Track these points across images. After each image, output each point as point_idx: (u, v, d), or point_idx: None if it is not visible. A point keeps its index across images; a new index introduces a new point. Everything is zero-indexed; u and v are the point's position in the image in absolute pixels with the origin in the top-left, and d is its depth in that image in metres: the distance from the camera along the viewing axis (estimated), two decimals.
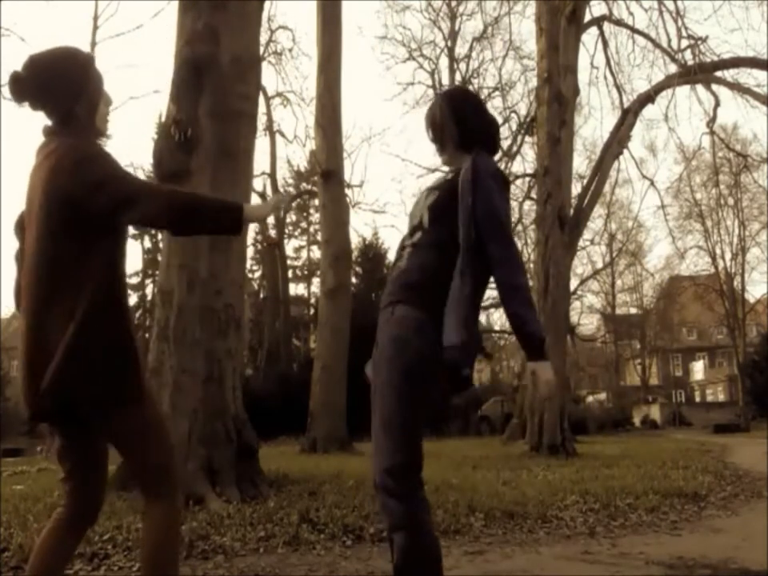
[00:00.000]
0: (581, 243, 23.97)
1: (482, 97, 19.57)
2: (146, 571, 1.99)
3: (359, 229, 58.39)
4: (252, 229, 28.28)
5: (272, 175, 27.07)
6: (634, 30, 18.80)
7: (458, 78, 25.06)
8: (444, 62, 26.38)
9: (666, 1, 17.49)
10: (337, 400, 14.27)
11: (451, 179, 2.23)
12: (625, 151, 18.58)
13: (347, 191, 19.20)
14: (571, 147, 17.18)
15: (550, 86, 13.65)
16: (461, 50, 26.05)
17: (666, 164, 76.77)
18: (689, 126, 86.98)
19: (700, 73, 16.83)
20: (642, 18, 71.32)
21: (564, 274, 14.40)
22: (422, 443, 2.11)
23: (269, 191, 26.74)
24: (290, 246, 33.80)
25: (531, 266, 16.08)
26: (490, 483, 6.75)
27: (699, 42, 17.23)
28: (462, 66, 25.77)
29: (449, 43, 26.02)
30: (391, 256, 26.60)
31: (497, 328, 32.94)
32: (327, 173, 14.99)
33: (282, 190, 27.03)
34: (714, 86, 18.41)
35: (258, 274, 32.88)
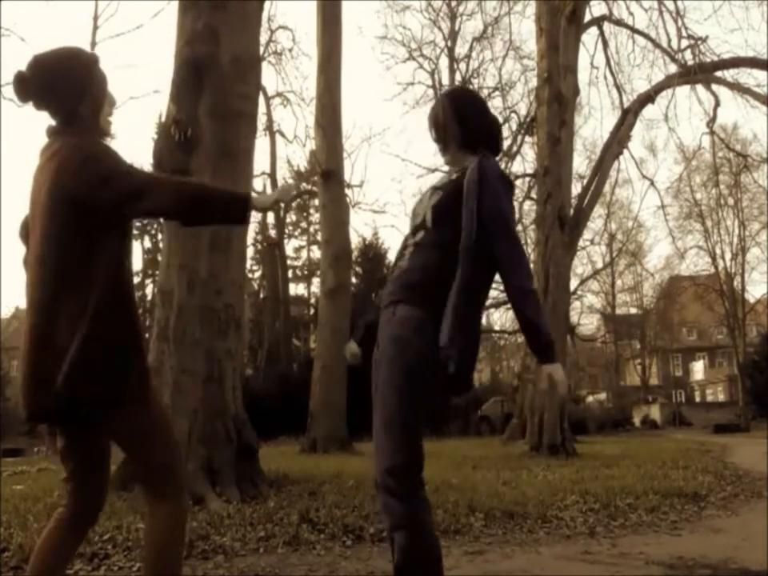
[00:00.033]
0: (581, 243, 23.98)
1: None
2: (147, 571, 1.98)
3: (359, 229, 58.39)
4: (252, 229, 28.32)
5: (272, 175, 27.09)
6: (633, 30, 18.81)
7: (457, 77, 25.07)
8: (444, 61, 26.42)
9: (665, 1, 17.52)
10: (337, 400, 14.27)
11: (456, 179, 2.23)
12: (625, 151, 18.60)
13: (347, 191, 19.21)
14: (571, 147, 17.18)
15: (550, 86, 13.65)
16: (461, 49, 26.09)
17: (666, 164, 77.12)
18: (689, 126, 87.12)
19: (700, 73, 16.83)
20: (642, 17, 71.38)
21: (564, 274, 14.39)
22: (423, 443, 2.11)
23: (269, 191, 26.73)
24: (290, 246, 33.85)
25: (531, 266, 16.05)
26: (490, 483, 6.75)
27: (699, 42, 17.24)
28: (462, 65, 25.80)
29: (449, 43, 26.04)
30: (391, 256, 26.65)
31: (497, 328, 32.96)
32: (327, 173, 14.99)
33: (284, 182, 26.95)
34: (714, 86, 18.42)
35: (258, 274, 32.89)
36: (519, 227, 23.95)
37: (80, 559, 3.60)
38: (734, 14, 27.25)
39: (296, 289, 34.81)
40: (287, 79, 35.17)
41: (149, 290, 29.92)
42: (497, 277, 2.22)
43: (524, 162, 24.89)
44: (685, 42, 17.38)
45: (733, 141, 28.09)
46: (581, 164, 29.70)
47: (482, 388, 30.25)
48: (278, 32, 21.88)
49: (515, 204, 2.41)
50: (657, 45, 18.20)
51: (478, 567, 3.75)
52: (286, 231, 33.41)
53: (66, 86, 2.03)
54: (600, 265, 37.86)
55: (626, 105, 18.86)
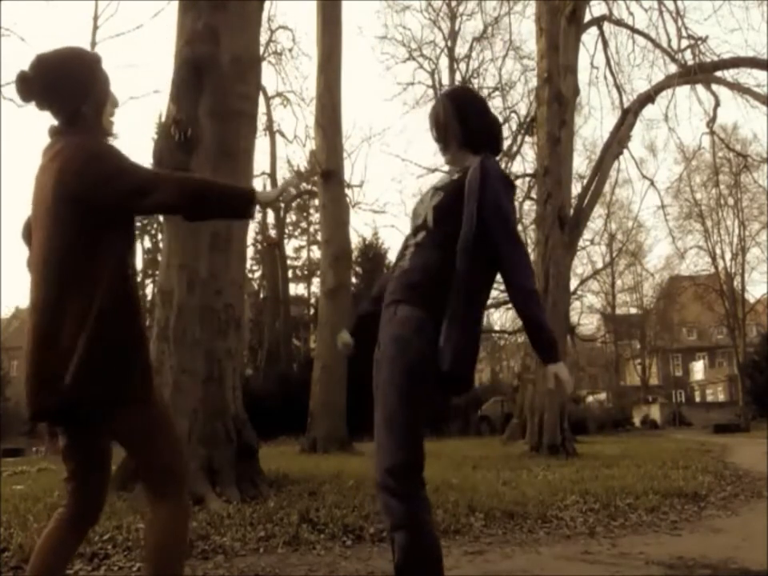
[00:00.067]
0: (581, 243, 23.95)
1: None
2: (148, 571, 1.98)
3: (359, 229, 58.37)
4: (252, 229, 28.32)
5: (272, 175, 27.07)
6: (633, 30, 18.80)
7: (458, 77, 25.06)
8: (444, 62, 26.41)
9: (665, 1, 17.51)
10: (337, 400, 14.27)
11: (457, 180, 2.23)
12: (625, 151, 18.57)
13: (347, 191, 19.20)
14: (571, 147, 17.17)
15: (550, 86, 13.66)
16: (461, 49, 26.07)
17: (666, 164, 77.11)
18: (689, 126, 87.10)
19: (700, 73, 16.82)
20: (642, 17, 71.35)
21: (564, 274, 14.39)
22: (424, 443, 2.11)
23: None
24: (290, 246, 33.86)
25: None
26: (490, 483, 6.75)
27: (699, 42, 17.23)
28: (462, 65, 25.78)
29: (449, 43, 26.03)
30: (391, 256, 26.62)
31: (497, 328, 32.95)
32: (327, 173, 14.99)
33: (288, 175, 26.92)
34: (714, 86, 18.40)
35: (258, 274, 32.90)
36: (519, 227, 23.87)
37: (80, 559, 3.60)
38: (734, 14, 27.29)
39: (296, 289, 34.87)
40: (287, 79, 35.26)
41: (149, 290, 29.92)
42: (498, 277, 2.23)
43: (524, 162, 24.87)
44: (685, 42, 17.40)
45: (733, 141, 28.12)
46: (581, 164, 29.71)
47: (482, 388, 30.26)
48: (278, 32, 21.93)
49: (515, 204, 2.41)
50: (657, 45, 18.20)
51: (478, 567, 3.75)
52: (286, 231, 33.42)
53: (69, 86, 2.03)
54: (600, 265, 37.90)
55: (626, 105, 18.85)
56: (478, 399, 26.13)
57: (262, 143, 25.80)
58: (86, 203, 1.92)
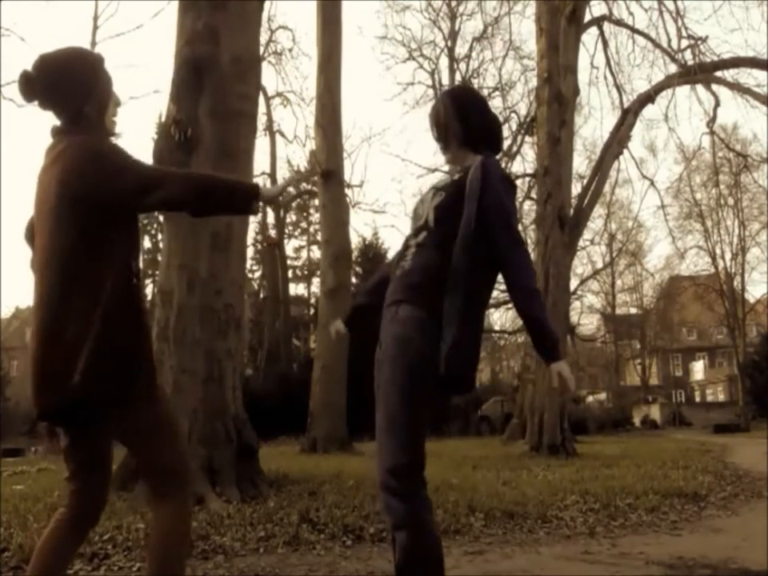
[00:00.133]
0: (581, 243, 23.94)
1: None
2: (150, 571, 1.98)
3: (359, 229, 58.43)
4: (252, 229, 28.29)
5: (272, 175, 27.04)
6: (634, 30, 18.79)
7: (457, 77, 25.05)
8: (444, 62, 26.38)
9: (665, 1, 17.50)
10: (337, 400, 14.27)
11: (458, 180, 2.23)
12: (625, 151, 18.56)
13: (347, 191, 19.18)
14: (571, 147, 17.16)
15: (550, 86, 13.65)
16: (461, 49, 26.04)
17: (666, 164, 77.13)
18: (689, 126, 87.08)
19: (700, 73, 16.81)
20: (642, 17, 71.40)
21: (564, 274, 14.39)
22: (425, 442, 2.11)
23: None
24: (290, 246, 33.86)
25: None
26: (490, 483, 6.75)
27: (699, 42, 17.22)
28: (462, 65, 25.75)
29: (449, 43, 26.01)
30: (391, 256, 26.57)
31: (497, 328, 32.95)
32: (327, 173, 14.99)
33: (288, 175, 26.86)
34: (714, 86, 18.39)
35: (258, 274, 32.90)
36: (519, 227, 23.89)
37: (80, 559, 3.60)
38: (734, 14, 27.24)
39: (296, 289, 34.88)
40: (287, 79, 35.21)
41: (149, 290, 29.94)
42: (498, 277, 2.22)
43: (524, 162, 24.85)
44: (685, 42, 17.38)
45: (733, 141, 28.10)
46: (581, 164, 29.70)
47: (482, 388, 30.21)
48: (278, 32, 21.91)
49: (516, 204, 2.41)
50: (657, 45, 18.19)
51: (478, 567, 3.75)
52: (286, 231, 33.42)
53: (72, 86, 2.04)
54: (600, 265, 37.90)
55: (626, 105, 18.84)
56: (478, 399, 26.12)
57: (262, 143, 25.78)
58: (89, 203, 1.92)
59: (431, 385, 2.09)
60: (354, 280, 22.85)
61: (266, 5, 9.05)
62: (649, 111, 32.20)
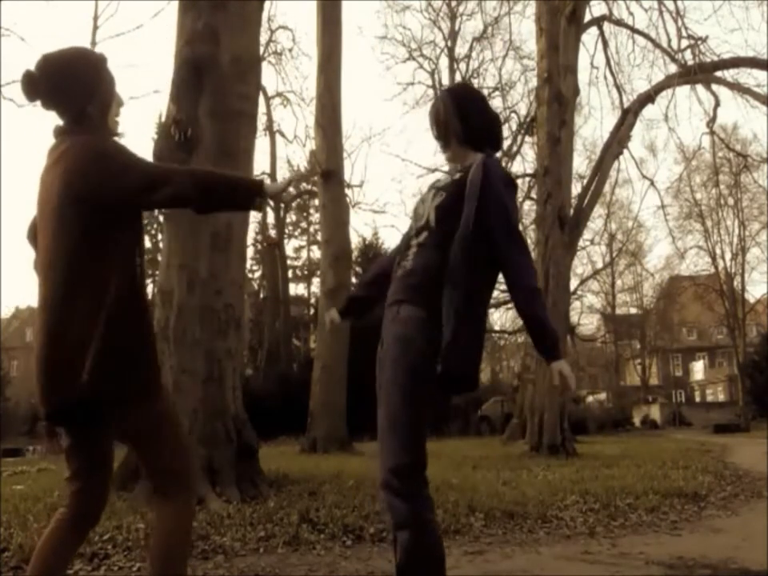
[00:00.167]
0: (581, 243, 23.92)
1: None
2: (152, 571, 1.99)
3: (359, 229, 58.38)
4: (252, 229, 28.30)
5: (272, 175, 27.03)
6: (633, 30, 18.78)
7: (457, 77, 25.03)
8: (444, 61, 26.39)
9: (665, 1, 17.49)
10: (337, 400, 14.27)
11: (458, 179, 2.23)
12: (625, 151, 18.55)
13: (347, 191, 19.18)
14: (571, 147, 17.16)
15: (550, 86, 13.65)
16: (461, 49, 26.04)
17: (666, 164, 77.18)
18: (689, 126, 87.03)
19: (700, 73, 16.80)
20: (642, 17, 71.35)
21: (564, 274, 14.39)
22: (426, 442, 2.11)
23: None
24: (290, 246, 33.86)
25: None
26: (490, 483, 6.75)
27: (699, 42, 17.21)
28: (462, 65, 25.76)
29: (449, 43, 26.01)
30: None
31: (497, 328, 32.94)
32: (327, 173, 14.99)
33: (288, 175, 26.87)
34: (714, 86, 18.38)
35: (258, 274, 32.90)
36: (519, 227, 23.89)
37: (80, 559, 3.60)
38: (734, 14, 27.17)
39: (296, 289, 34.88)
40: (287, 79, 35.20)
41: (149, 290, 29.95)
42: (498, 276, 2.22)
43: (524, 162, 24.81)
44: (685, 42, 17.37)
45: (733, 141, 28.08)
46: (581, 164, 29.65)
47: (482, 388, 30.16)
48: (278, 32, 21.91)
49: (516, 203, 2.41)
50: (657, 45, 18.18)
51: (478, 567, 3.75)
52: (286, 231, 33.42)
53: (75, 86, 2.04)
54: (600, 265, 37.88)
55: (626, 105, 18.83)
56: (478, 399, 26.11)
57: (262, 143, 25.80)
58: (92, 203, 1.92)
59: (433, 385, 2.09)
60: (353, 280, 22.85)
61: (266, 5, 9.06)
62: (649, 111, 32.17)
